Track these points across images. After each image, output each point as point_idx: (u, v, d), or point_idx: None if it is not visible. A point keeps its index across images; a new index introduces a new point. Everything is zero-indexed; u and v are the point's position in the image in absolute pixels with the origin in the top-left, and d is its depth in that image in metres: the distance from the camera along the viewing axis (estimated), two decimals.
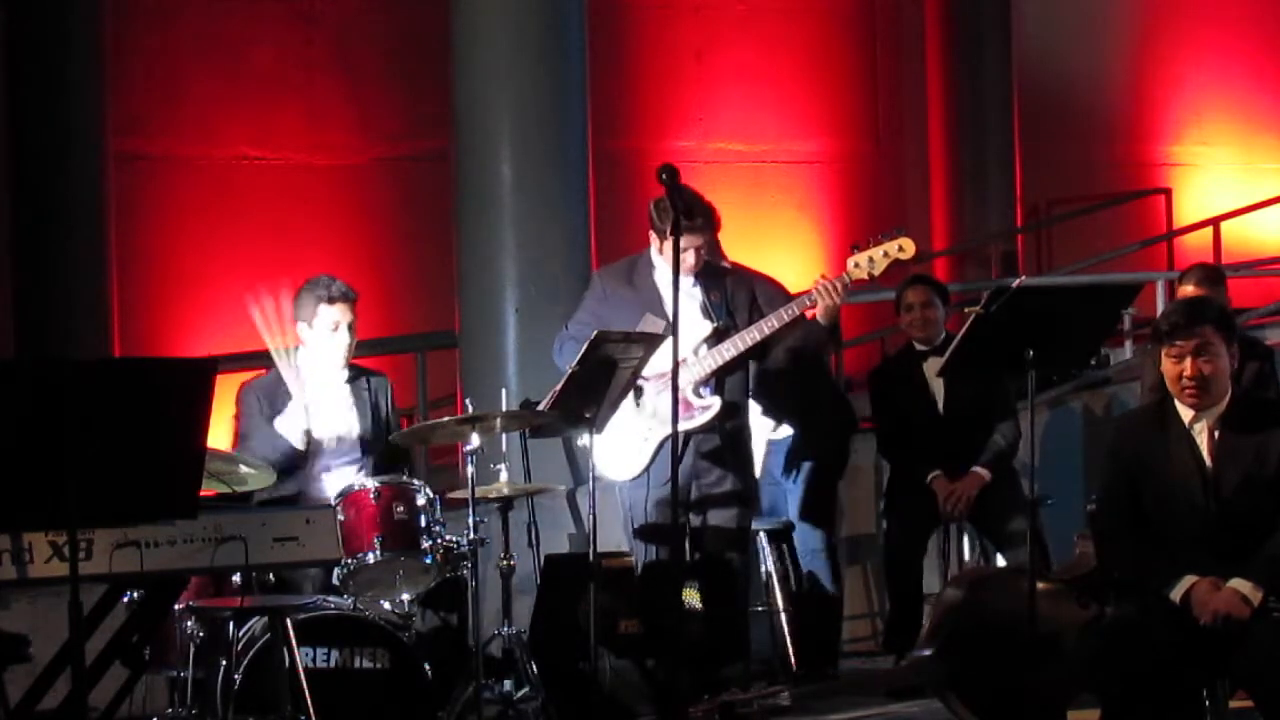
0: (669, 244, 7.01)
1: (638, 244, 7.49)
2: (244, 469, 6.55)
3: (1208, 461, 5.71)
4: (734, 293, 7.39)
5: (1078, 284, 9.36)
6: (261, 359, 7.20)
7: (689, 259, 7.19)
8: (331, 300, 7.06)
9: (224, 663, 6.33)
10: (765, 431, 8.26)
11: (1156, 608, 5.62)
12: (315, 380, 7.09)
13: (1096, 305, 6.66)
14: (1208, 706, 5.76)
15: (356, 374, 7.20)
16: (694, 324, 7.23)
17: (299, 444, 6.94)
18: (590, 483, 6.99)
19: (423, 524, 6.71)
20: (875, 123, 14.74)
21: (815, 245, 14.14)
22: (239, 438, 7.09)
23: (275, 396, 7.03)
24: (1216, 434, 5.72)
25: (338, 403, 7.14)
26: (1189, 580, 5.60)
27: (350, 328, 7.09)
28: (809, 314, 7.28)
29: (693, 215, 7.01)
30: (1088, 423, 9.77)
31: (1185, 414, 5.75)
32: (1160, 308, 10.82)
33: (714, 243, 7.46)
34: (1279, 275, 13.83)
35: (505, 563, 7.12)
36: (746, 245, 12.23)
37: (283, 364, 6.94)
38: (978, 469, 8.15)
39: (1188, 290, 7.99)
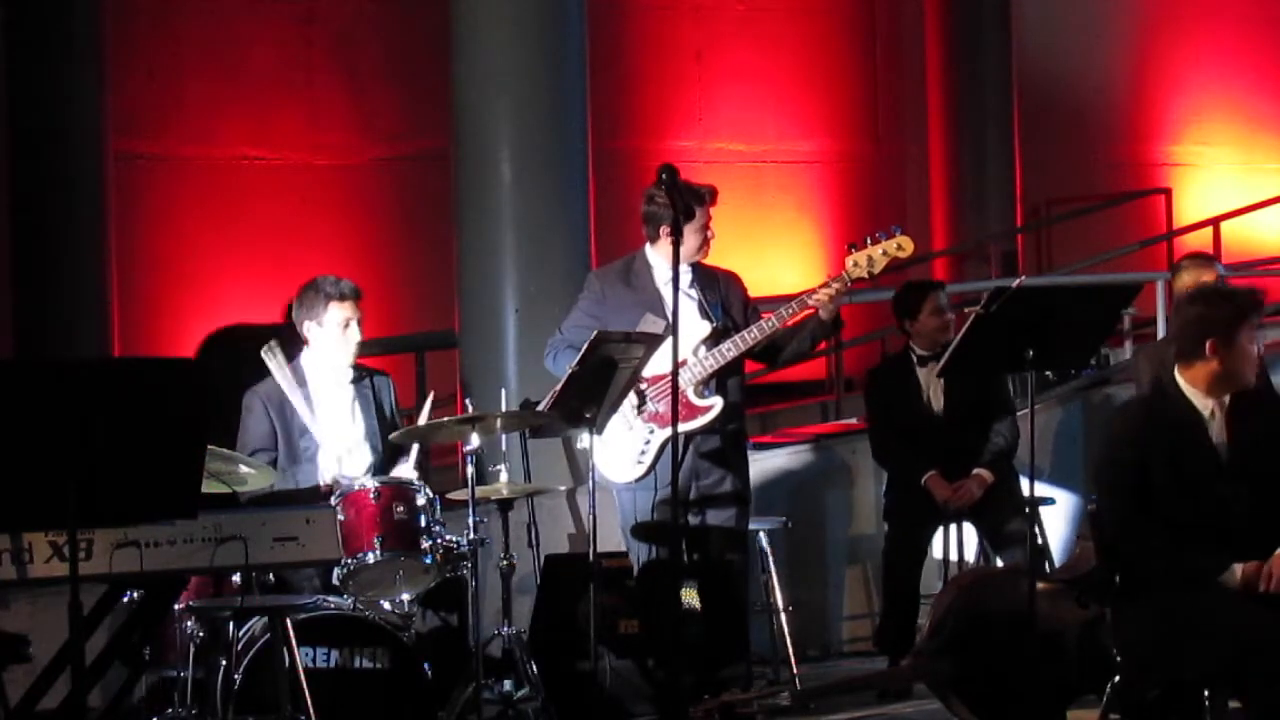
0: (665, 242, 7.03)
1: (638, 243, 7.49)
2: (244, 469, 6.55)
3: (1225, 444, 5.74)
4: (727, 292, 7.39)
5: (1078, 284, 9.36)
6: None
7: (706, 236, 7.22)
8: (343, 298, 7.08)
9: (224, 663, 6.33)
10: None
11: (1221, 596, 5.62)
12: (321, 380, 7.11)
13: (1096, 305, 6.66)
14: (1207, 706, 5.76)
15: (360, 374, 7.21)
16: (693, 325, 7.22)
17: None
18: (590, 483, 6.99)
19: (423, 524, 6.70)
20: (875, 123, 14.73)
21: (815, 245, 14.13)
22: (239, 442, 7.08)
23: (283, 403, 7.03)
24: (1229, 418, 5.75)
25: (342, 402, 7.14)
26: (1237, 567, 5.62)
27: (359, 324, 7.12)
28: (806, 312, 7.29)
29: (691, 213, 7.02)
30: (1088, 423, 9.75)
31: (1201, 402, 5.76)
32: (1160, 308, 10.81)
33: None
34: (1279, 275, 13.81)
35: (505, 563, 7.11)
36: (746, 245, 12.23)
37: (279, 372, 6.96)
38: (981, 470, 8.13)
39: (1187, 280, 7.89)
